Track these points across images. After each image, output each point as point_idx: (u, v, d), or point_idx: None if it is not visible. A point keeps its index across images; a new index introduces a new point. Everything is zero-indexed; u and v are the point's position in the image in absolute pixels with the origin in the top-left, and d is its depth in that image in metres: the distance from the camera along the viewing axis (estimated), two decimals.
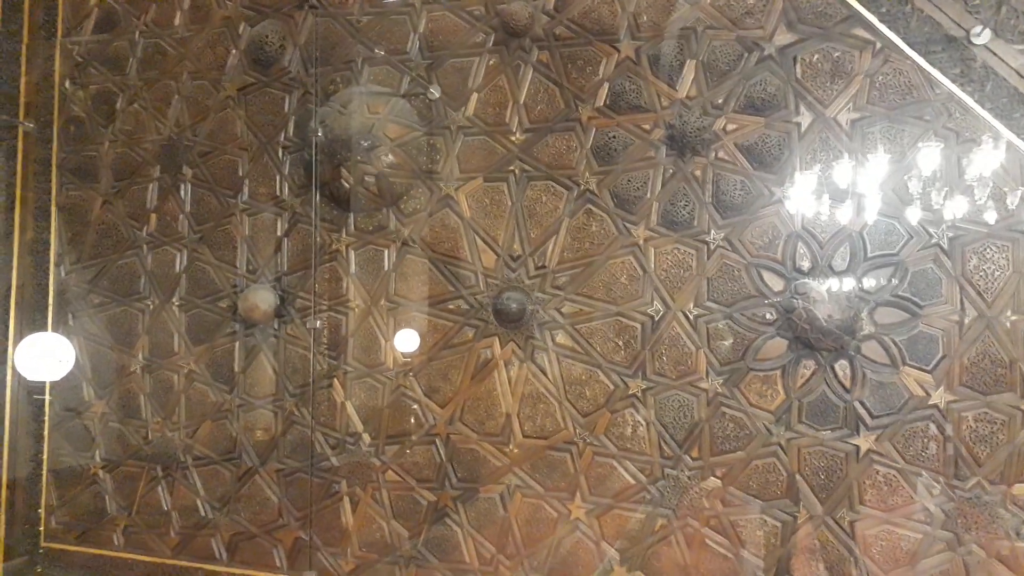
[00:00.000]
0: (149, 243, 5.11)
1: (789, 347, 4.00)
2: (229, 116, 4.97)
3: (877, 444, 3.86)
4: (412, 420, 4.57)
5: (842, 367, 3.92)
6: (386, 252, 4.68)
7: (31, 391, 5.31)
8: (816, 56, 4.00)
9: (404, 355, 4.60)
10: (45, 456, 5.30)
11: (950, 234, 3.77)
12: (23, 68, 5.40)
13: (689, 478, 4.13)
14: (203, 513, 4.94)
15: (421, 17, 4.61)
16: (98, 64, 5.28)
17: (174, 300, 5.05)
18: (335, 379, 4.74)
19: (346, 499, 4.70)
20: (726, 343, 4.07)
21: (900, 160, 3.85)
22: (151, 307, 5.10)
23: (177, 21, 5.11)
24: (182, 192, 5.05)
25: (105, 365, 5.20)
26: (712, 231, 4.12)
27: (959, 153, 3.76)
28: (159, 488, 5.05)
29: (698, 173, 4.15)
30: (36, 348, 4.97)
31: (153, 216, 5.11)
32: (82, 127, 5.30)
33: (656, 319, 4.19)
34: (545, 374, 4.37)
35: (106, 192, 5.21)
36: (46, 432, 5.29)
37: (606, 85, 4.30)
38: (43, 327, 5.30)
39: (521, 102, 4.45)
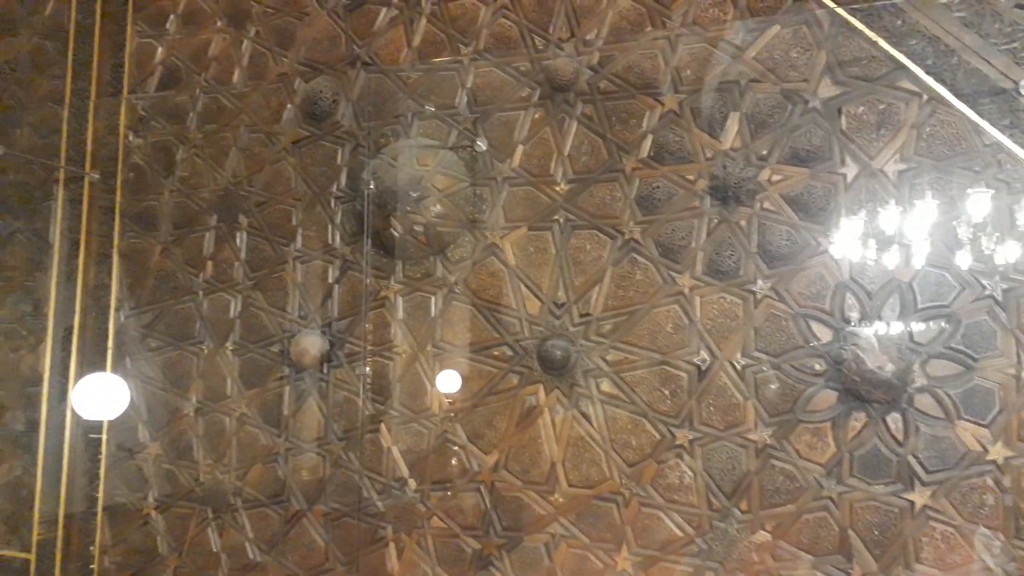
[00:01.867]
0: (205, 289, 5.28)
1: (839, 399, 3.96)
2: (284, 168, 5.16)
3: (933, 500, 3.78)
4: (453, 461, 4.61)
5: (894, 420, 3.86)
6: (433, 299, 4.78)
7: (87, 430, 5.48)
8: (861, 108, 4.02)
9: (447, 396, 4.66)
10: (100, 495, 5.44)
11: (1004, 286, 3.72)
12: (90, 122, 5.70)
13: (738, 531, 4.08)
14: (251, 556, 5.01)
15: (469, 73, 4.77)
16: (160, 118, 5.54)
17: (228, 344, 5.20)
18: (382, 424, 4.81)
19: (391, 544, 4.73)
20: (772, 387, 4.04)
21: (949, 210, 3.82)
22: (205, 351, 5.25)
23: (236, 77, 5.36)
24: (238, 240, 5.23)
25: (160, 407, 5.35)
26: (759, 281, 4.12)
27: (1010, 204, 3.73)
28: (209, 530, 5.14)
29: (743, 223, 4.17)
30: (92, 388, 5.17)
31: (210, 263, 5.29)
32: (144, 177, 5.54)
33: (703, 369, 4.19)
34: (590, 422, 4.38)
35: (165, 240, 5.42)
36: (102, 471, 5.44)
37: (650, 137, 4.38)
38: (102, 369, 5.49)
39: (565, 154, 4.55)
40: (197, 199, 5.37)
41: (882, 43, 3.98)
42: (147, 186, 5.52)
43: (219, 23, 5.45)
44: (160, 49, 5.59)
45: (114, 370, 5.46)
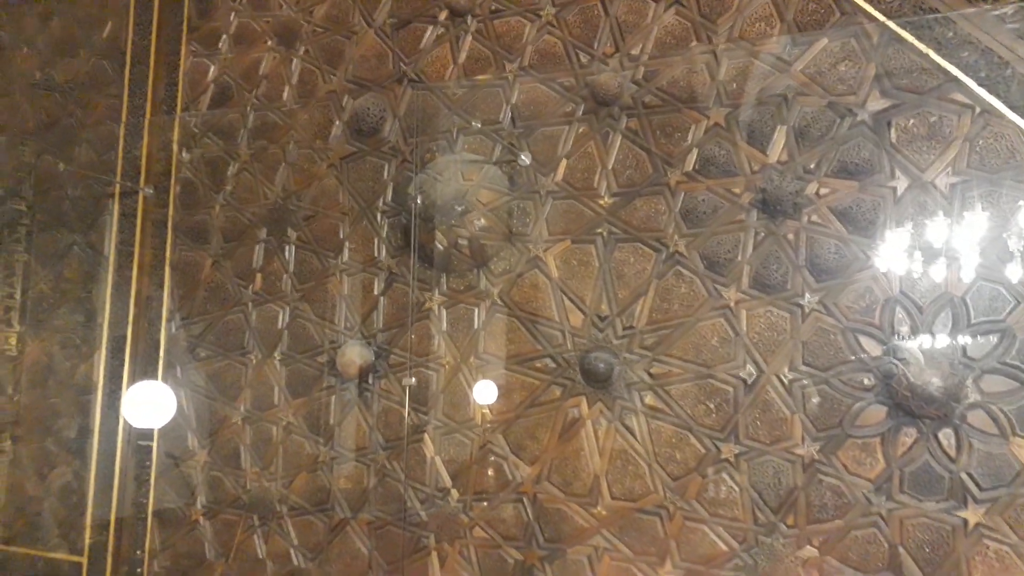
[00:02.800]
0: (254, 301, 5.41)
1: (889, 414, 3.90)
2: (332, 183, 5.28)
3: (987, 518, 3.70)
4: (490, 472, 4.63)
5: (946, 436, 3.80)
6: (476, 311, 4.83)
7: (137, 437, 5.63)
8: (912, 121, 4.00)
9: (483, 407, 4.69)
10: (150, 501, 5.58)
11: None
12: (145, 139, 5.90)
13: (784, 546, 4.03)
14: (296, 563, 5.09)
15: (514, 89, 4.84)
16: (212, 135, 5.71)
17: (275, 355, 5.31)
18: (425, 434, 4.86)
19: (434, 554, 4.76)
20: (814, 400, 4.00)
21: (1003, 224, 3.77)
22: (254, 361, 5.37)
23: (285, 95, 5.51)
24: (286, 253, 5.35)
25: (208, 416, 5.48)
26: (806, 294, 4.10)
27: None
28: (255, 536, 5.23)
29: (791, 236, 4.16)
30: (141, 395, 5.32)
31: (259, 275, 5.42)
32: (195, 192, 5.72)
33: (749, 382, 4.17)
34: (634, 435, 4.38)
35: (216, 253, 5.57)
36: (152, 478, 5.58)
37: (695, 151, 4.39)
38: (153, 378, 5.64)
39: (609, 167, 4.58)
40: (247, 213, 5.51)
41: (933, 55, 3.95)
42: (198, 201, 5.68)
43: (269, 42, 5.62)
44: (213, 68, 5.77)
45: (164, 379, 5.61)
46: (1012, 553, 3.66)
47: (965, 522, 3.73)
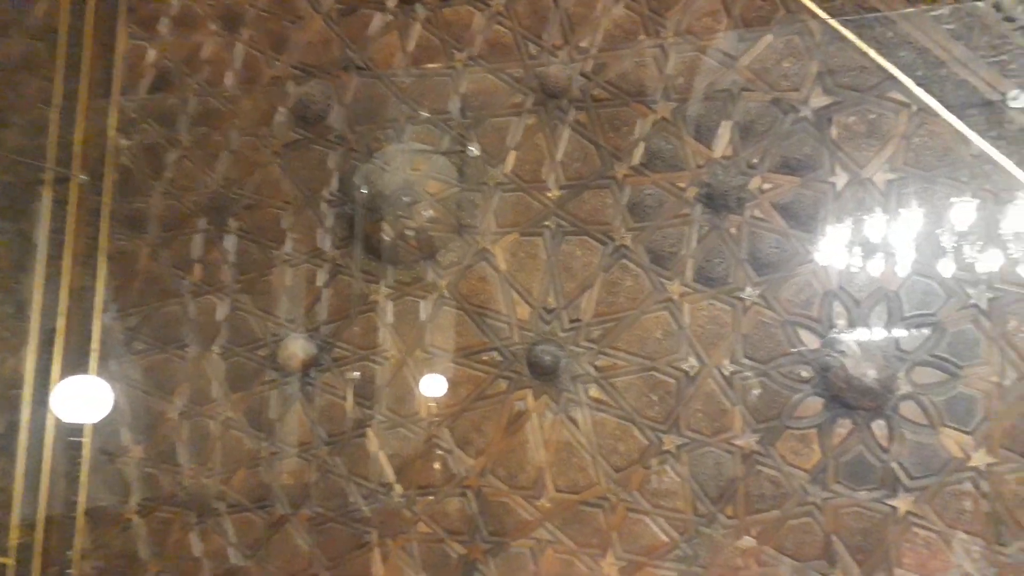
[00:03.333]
0: (192, 292, 5.24)
1: (825, 406, 3.98)
2: (274, 171, 5.15)
3: (916, 506, 3.80)
4: (435, 466, 4.58)
5: (879, 427, 3.89)
6: (423, 304, 4.77)
7: (68, 433, 5.41)
8: (852, 118, 4.08)
9: (429, 400, 4.63)
10: (81, 499, 5.36)
11: (989, 295, 3.76)
12: (79, 124, 5.65)
13: (723, 536, 4.08)
14: (234, 561, 4.95)
15: (463, 79, 4.79)
16: (150, 120, 5.50)
17: (214, 348, 5.15)
18: (368, 429, 4.78)
19: (376, 550, 4.69)
20: (755, 393, 4.05)
21: (937, 220, 3.87)
22: (192, 354, 5.20)
23: (228, 81, 5.35)
24: (226, 243, 5.20)
25: (144, 411, 5.29)
26: (748, 288, 4.15)
27: (996, 213, 3.79)
28: (191, 534, 5.07)
29: (733, 231, 4.21)
30: (73, 390, 5.11)
31: (198, 266, 5.25)
32: (132, 180, 5.50)
33: (691, 375, 4.20)
34: (578, 428, 4.38)
35: (153, 242, 5.37)
36: (83, 475, 5.36)
37: (642, 144, 4.41)
38: (85, 372, 5.42)
39: (558, 160, 4.57)
40: (186, 202, 5.33)
41: (872, 54, 4.04)
42: (136, 188, 5.47)
43: (212, 26, 5.44)
44: (152, 51, 5.55)
45: (98, 373, 5.40)
46: (940, 540, 3.77)
47: (895, 510, 3.82)
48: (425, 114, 4.77)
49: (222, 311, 5.17)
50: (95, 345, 5.42)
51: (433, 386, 4.69)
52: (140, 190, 5.45)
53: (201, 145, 5.36)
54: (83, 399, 5.08)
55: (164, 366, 5.26)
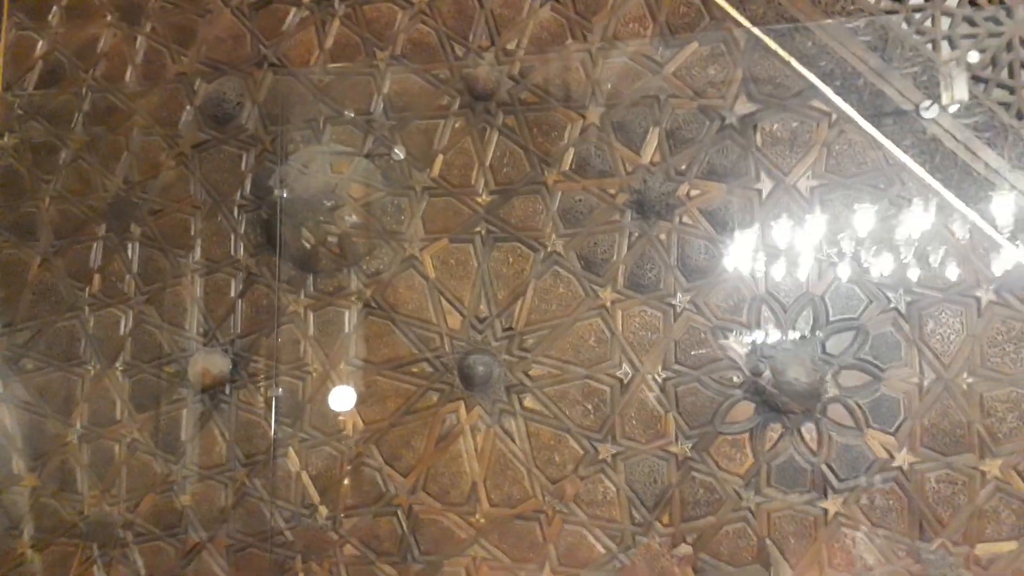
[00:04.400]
0: (91, 305, 4.83)
1: (756, 410, 4.03)
2: (182, 173, 4.81)
3: (844, 507, 3.89)
4: (362, 485, 4.38)
5: (808, 430, 3.96)
6: (347, 313, 4.55)
7: None
8: (775, 125, 4.13)
9: (352, 415, 4.43)
10: None
11: (907, 299, 3.89)
12: None
13: (660, 545, 4.06)
14: None
15: (385, 78, 4.59)
16: (40, 118, 5.05)
17: (117, 365, 4.77)
18: (290, 447, 4.53)
19: (300, 575, 4.44)
20: (687, 399, 4.04)
21: (857, 226, 3.96)
22: (92, 372, 4.80)
23: (128, 76, 4.96)
24: (129, 251, 4.82)
25: (38, 435, 4.84)
26: (678, 294, 4.15)
27: (911, 219, 3.91)
28: (95, 568, 4.68)
29: (663, 237, 4.20)
30: None
31: (97, 276, 4.85)
32: (20, 182, 5.03)
33: (625, 382, 4.17)
34: (512, 439, 4.28)
35: (45, 250, 4.93)
36: None
37: (572, 150, 4.34)
38: None
39: (487, 164, 4.45)
40: (83, 206, 4.92)
41: (794, 63, 4.10)
42: (24, 191, 5.00)
43: (109, 17, 5.03)
44: (41, 43, 5.09)
45: None
46: (866, 539, 3.87)
47: (826, 512, 3.90)
48: (350, 114, 4.55)
49: (125, 325, 4.79)
50: None
51: (355, 401, 4.48)
52: (29, 193, 4.99)
53: (98, 145, 4.95)
54: None
55: (60, 385, 4.83)
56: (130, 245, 4.82)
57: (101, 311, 4.83)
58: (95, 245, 4.88)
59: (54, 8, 5.10)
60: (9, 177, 5.04)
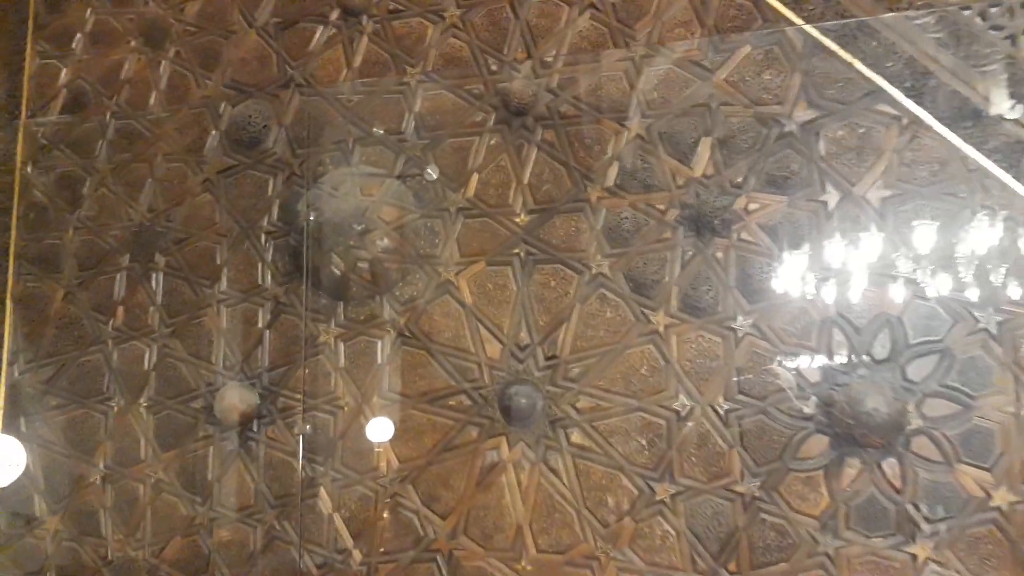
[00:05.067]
0: (115, 338, 4.65)
1: (831, 444, 3.65)
2: (207, 200, 4.63)
3: (936, 552, 3.48)
4: (398, 528, 4.08)
5: (890, 465, 3.57)
6: (379, 344, 4.29)
7: None
8: (840, 132, 3.81)
9: (387, 452, 4.15)
10: None
11: (998, 318, 3.50)
12: None
13: None
14: None
15: (416, 95, 4.37)
16: (64, 147, 4.94)
17: (141, 401, 4.57)
18: (321, 488, 4.26)
19: None
20: (753, 432, 3.68)
21: (935, 239, 3.61)
22: (115, 409, 4.61)
23: (152, 101, 4.83)
24: (153, 282, 4.65)
25: (61, 474, 4.65)
26: (739, 317, 3.81)
27: (997, 229, 3.55)
28: None
29: (720, 255, 3.88)
30: None
31: (120, 308, 4.67)
32: (44, 214, 4.91)
33: (682, 414, 3.83)
34: (560, 478, 3.95)
35: (68, 283, 4.79)
36: None
37: (616, 164, 4.07)
38: None
39: (525, 182, 4.19)
40: (107, 237, 4.77)
41: (858, 64, 3.79)
42: (48, 223, 4.88)
43: (133, 42, 4.93)
44: (65, 71, 5.01)
45: (5, 432, 4.74)
46: None
47: (914, 557, 3.50)
48: (380, 132, 4.32)
49: (149, 359, 4.60)
50: (1, 401, 4.77)
51: (394, 437, 4.20)
52: (52, 225, 4.87)
53: (122, 174, 4.82)
54: None
55: (83, 423, 4.64)
56: (154, 275, 4.65)
57: (125, 344, 4.65)
58: (118, 276, 4.72)
59: (78, 35, 5.01)
60: (32, 208, 4.93)
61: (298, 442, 4.23)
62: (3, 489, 4.63)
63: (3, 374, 4.82)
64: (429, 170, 4.30)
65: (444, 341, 4.20)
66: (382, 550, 4.13)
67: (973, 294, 3.52)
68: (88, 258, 4.77)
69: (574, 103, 4.15)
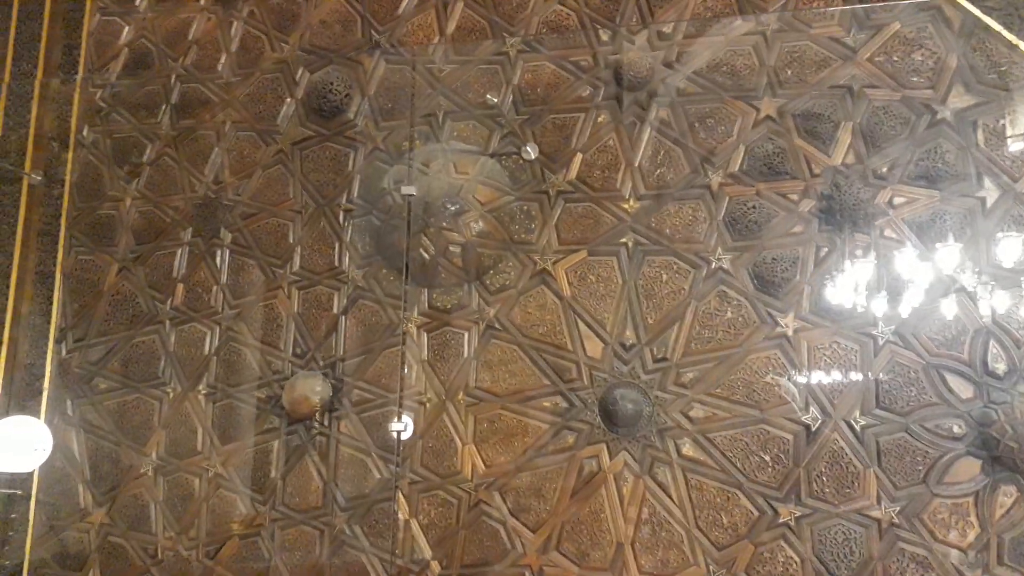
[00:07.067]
0: (173, 319, 4.35)
1: (983, 469, 3.28)
2: (280, 173, 4.32)
3: None
4: (485, 540, 3.75)
5: None
6: (466, 335, 3.96)
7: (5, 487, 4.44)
8: (1002, 122, 3.44)
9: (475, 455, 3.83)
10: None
11: None
12: (34, 112, 4.75)
13: None
14: None
15: (516, 67, 4.03)
16: (124, 111, 4.63)
17: (200, 388, 4.27)
18: (398, 491, 3.92)
19: None
20: (893, 452, 3.32)
21: None
22: (171, 395, 4.29)
23: (222, 65, 4.50)
24: (218, 259, 4.33)
25: (109, 464, 4.36)
26: (880, 323, 3.44)
27: None
28: None
29: (860, 253, 3.51)
30: (9, 434, 4.16)
31: (180, 287, 4.37)
32: (100, 181, 4.63)
33: (812, 429, 3.47)
34: (668, 494, 3.59)
35: (124, 257, 4.49)
36: (27, 543, 4.37)
37: (742, 147, 3.71)
38: (35, 413, 4.47)
39: (636, 164, 3.84)
40: (167, 209, 4.47)
41: (1023, 47, 3.41)
42: (103, 191, 4.60)
43: (202, 0, 4.60)
44: (127, 29, 4.75)
45: (49, 416, 4.45)
46: None
47: None
48: (494, 99, 3.98)
49: (211, 343, 4.30)
50: (47, 382, 4.48)
51: (480, 439, 3.86)
52: (108, 194, 4.59)
53: (186, 141, 4.53)
54: (19, 446, 4.15)
55: (135, 409, 4.36)
56: (219, 252, 4.35)
57: (184, 326, 4.34)
58: (179, 252, 4.42)
59: None
60: (87, 175, 4.63)
61: (398, 439, 3.87)
62: (47, 478, 4.38)
63: (50, 352, 4.53)
64: (528, 148, 3.94)
65: (538, 336, 3.86)
66: (464, 563, 3.78)
67: None
68: (146, 231, 4.49)
69: (695, 79, 3.80)
